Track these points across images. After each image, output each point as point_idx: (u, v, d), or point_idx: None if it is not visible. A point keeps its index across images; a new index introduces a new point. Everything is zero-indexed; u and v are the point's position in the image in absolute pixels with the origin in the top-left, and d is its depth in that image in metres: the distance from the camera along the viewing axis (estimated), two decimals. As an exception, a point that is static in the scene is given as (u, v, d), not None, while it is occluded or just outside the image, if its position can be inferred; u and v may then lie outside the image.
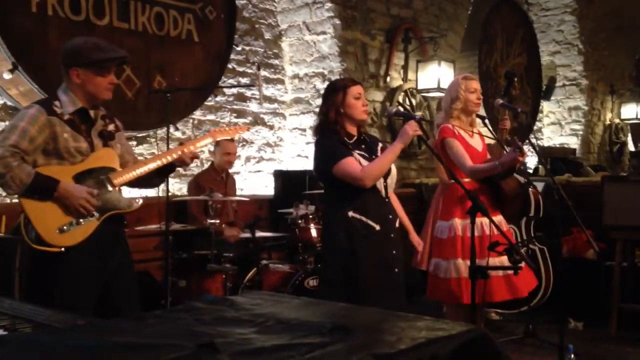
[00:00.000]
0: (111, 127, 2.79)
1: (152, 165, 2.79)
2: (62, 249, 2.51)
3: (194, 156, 2.89)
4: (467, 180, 3.44)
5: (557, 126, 9.37)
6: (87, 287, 2.59)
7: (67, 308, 2.26)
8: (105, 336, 1.16)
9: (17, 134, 2.49)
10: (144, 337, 1.15)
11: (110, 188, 2.66)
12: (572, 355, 3.50)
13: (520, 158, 3.25)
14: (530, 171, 6.17)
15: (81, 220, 2.57)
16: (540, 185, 4.85)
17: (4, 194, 3.77)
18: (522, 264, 2.78)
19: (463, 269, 3.32)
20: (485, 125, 3.66)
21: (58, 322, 1.53)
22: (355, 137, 3.01)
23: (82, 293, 2.57)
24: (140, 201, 2.79)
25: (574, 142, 9.22)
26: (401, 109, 6.04)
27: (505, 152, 3.56)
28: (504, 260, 3.10)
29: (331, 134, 2.97)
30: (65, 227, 2.53)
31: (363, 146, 3.00)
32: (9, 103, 4.03)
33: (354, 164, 2.87)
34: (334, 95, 2.99)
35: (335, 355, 1.08)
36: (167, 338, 1.14)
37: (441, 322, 1.32)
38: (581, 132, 9.26)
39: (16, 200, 3.36)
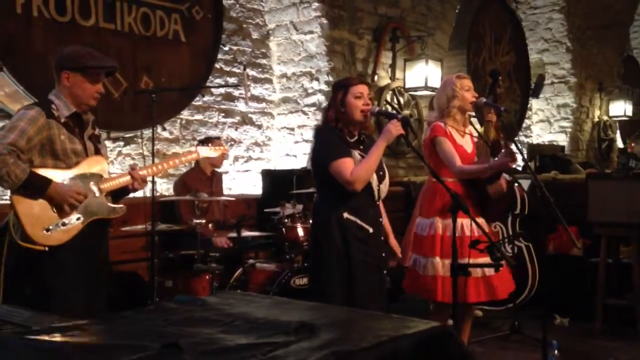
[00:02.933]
0: (97, 132, 2.96)
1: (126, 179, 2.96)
2: (46, 247, 2.66)
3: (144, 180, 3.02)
4: (451, 180, 3.45)
5: (546, 123, 9.41)
6: (74, 283, 2.73)
7: (56, 302, 2.58)
8: (70, 337, 1.17)
9: (15, 133, 2.63)
10: (110, 337, 1.16)
11: (97, 194, 2.83)
12: (556, 351, 3.54)
13: (511, 163, 3.27)
14: (519, 169, 6.21)
15: (66, 221, 2.72)
16: (526, 183, 4.87)
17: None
18: (504, 264, 2.80)
19: (440, 268, 3.35)
20: (471, 123, 3.67)
21: (33, 323, 1.54)
22: (355, 137, 3.02)
23: (69, 288, 2.71)
24: (124, 208, 2.96)
25: (562, 140, 9.26)
26: (389, 107, 6.06)
27: (488, 148, 3.57)
28: (485, 261, 3.13)
29: (332, 131, 2.98)
30: (51, 227, 2.68)
31: (362, 147, 3.01)
32: (-6, 105, 4.03)
33: (350, 166, 2.87)
34: (335, 94, 3.01)
35: (297, 354, 1.10)
36: (133, 339, 1.15)
37: (408, 320, 1.34)
38: (570, 130, 9.30)
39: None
